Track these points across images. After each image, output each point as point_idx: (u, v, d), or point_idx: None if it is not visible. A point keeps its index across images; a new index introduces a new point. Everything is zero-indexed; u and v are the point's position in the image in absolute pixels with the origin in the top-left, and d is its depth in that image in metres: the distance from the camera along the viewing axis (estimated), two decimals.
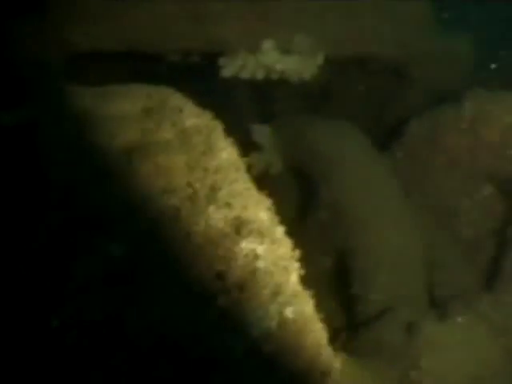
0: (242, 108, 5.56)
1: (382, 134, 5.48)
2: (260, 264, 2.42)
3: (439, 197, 4.87)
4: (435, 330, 4.07)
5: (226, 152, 2.67)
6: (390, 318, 4.35)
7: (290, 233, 2.65)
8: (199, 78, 5.31)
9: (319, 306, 5.21)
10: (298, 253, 2.63)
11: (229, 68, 4.81)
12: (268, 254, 2.46)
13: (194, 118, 2.77)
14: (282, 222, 2.84)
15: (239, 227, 2.47)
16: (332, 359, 2.76)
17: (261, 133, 5.26)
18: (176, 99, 2.88)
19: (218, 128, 2.80)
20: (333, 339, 4.67)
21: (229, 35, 4.68)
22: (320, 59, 4.96)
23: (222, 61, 4.83)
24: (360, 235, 4.70)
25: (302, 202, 5.35)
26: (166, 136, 2.71)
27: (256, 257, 2.43)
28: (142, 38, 4.58)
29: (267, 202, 2.66)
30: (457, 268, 4.84)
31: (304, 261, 5.18)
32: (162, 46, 4.62)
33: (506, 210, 4.68)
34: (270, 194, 5.38)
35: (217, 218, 2.47)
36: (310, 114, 5.46)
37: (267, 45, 4.73)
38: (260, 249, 2.41)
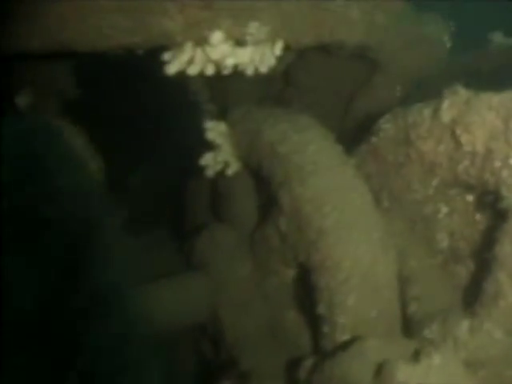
0: (195, 103, 4.77)
1: (351, 129, 4.72)
2: None
3: (414, 204, 4.16)
4: (409, 374, 3.40)
5: None
6: (358, 352, 3.68)
7: None
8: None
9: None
10: None
11: (174, 63, 4.01)
12: None
13: None
14: None
15: None
16: None
17: (216, 130, 4.49)
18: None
19: None
20: (297, 365, 4.08)
21: (171, 27, 3.86)
22: (278, 49, 4.17)
23: (166, 56, 4.02)
24: (326, 249, 4.03)
25: (262, 206, 4.61)
26: None
27: None
28: (72, 36, 3.78)
29: None
30: (433, 282, 4.15)
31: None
32: (96, 44, 3.81)
33: (487, 222, 3.97)
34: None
35: None
36: (270, 105, 4.67)
37: (216, 36, 3.92)
38: None
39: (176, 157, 5.24)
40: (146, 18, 3.88)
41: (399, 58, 4.67)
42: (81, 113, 4.62)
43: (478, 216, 4.07)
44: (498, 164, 3.61)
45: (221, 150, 4.51)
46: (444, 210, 4.16)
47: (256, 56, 4.17)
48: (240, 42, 4.11)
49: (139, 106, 5.23)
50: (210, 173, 4.57)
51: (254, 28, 4.06)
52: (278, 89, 5.07)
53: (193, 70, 4.07)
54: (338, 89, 5.02)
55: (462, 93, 3.73)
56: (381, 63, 4.70)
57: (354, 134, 4.67)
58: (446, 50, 4.87)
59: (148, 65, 4.24)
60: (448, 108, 3.73)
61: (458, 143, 3.73)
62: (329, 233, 3.98)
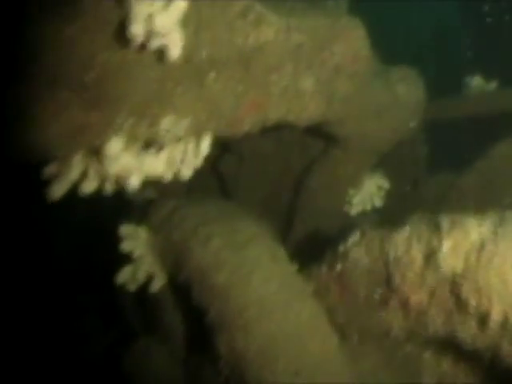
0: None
1: (303, 214, 3.12)
2: None
3: (392, 342, 2.61)
4: None
5: None
6: None
7: None
8: None
9: None
10: None
11: (60, 183, 2.37)
12: None
13: None
14: None
15: None
16: None
17: (133, 237, 2.87)
18: None
19: None
20: None
21: (45, 138, 2.21)
22: (206, 145, 2.53)
23: (47, 171, 2.38)
24: None
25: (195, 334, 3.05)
26: None
27: None
28: None
29: None
30: None
31: None
32: None
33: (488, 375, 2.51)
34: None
35: None
36: (201, 199, 3.03)
37: (112, 145, 2.26)
38: None
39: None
40: (8, 130, 2.20)
41: (364, 130, 3.05)
42: None
43: (475, 365, 2.56)
44: None
45: (141, 263, 2.90)
46: (427, 354, 2.65)
47: (175, 158, 2.52)
48: (149, 144, 2.46)
49: None
50: (131, 288, 2.97)
51: (168, 124, 2.44)
52: (214, 156, 3.39)
53: (88, 188, 2.43)
54: (287, 161, 3.38)
55: (470, 229, 2.16)
56: (341, 138, 3.05)
57: (307, 226, 3.11)
58: (421, 112, 3.23)
59: None
60: (451, 254, 2.17)
61: (462, 304, 2.17)
62: None
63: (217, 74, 2.57)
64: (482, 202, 3.51)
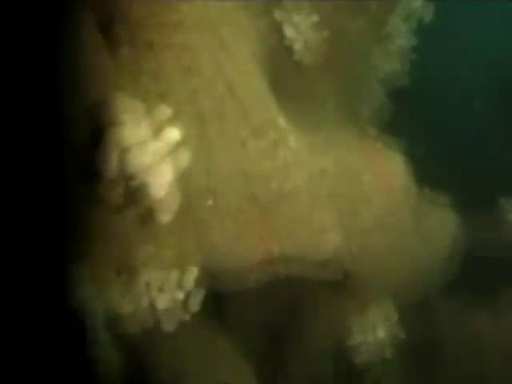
0: None
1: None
2: None
3: None
4: None
5: None
6: None
7: None
8: None
9: None
10: None
11: None
12: None
13: None
14: None
15: None
16: None
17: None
18: None
19: None
20: None
21: None
22: (190, 281, 2.04)
23: None
24: None
25: None
26: None
27: None
28: None
29: None
30: None
31: None
32: None
33: None
34: None
35: None
36: None
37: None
38: None
39: None
40: None
41: (381, 269, 2.48)
42: None
43: None
44: None
45: None
46: None
47: (152, 285, 2.05)
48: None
49: None
50: None
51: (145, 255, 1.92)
52: None
53: None
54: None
55: None
56: (353, 273, 2.50)
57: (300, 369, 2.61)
58: (455, 257, 2.67)
59: None
60: None
61: None
62: None
63: (214, 203, 2.07)
64: None
